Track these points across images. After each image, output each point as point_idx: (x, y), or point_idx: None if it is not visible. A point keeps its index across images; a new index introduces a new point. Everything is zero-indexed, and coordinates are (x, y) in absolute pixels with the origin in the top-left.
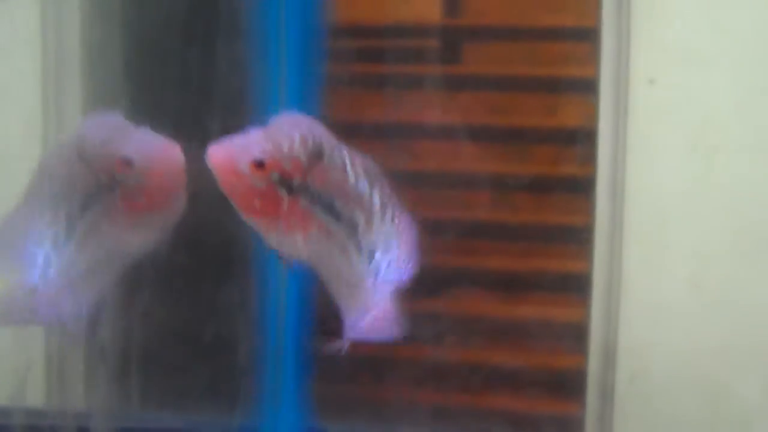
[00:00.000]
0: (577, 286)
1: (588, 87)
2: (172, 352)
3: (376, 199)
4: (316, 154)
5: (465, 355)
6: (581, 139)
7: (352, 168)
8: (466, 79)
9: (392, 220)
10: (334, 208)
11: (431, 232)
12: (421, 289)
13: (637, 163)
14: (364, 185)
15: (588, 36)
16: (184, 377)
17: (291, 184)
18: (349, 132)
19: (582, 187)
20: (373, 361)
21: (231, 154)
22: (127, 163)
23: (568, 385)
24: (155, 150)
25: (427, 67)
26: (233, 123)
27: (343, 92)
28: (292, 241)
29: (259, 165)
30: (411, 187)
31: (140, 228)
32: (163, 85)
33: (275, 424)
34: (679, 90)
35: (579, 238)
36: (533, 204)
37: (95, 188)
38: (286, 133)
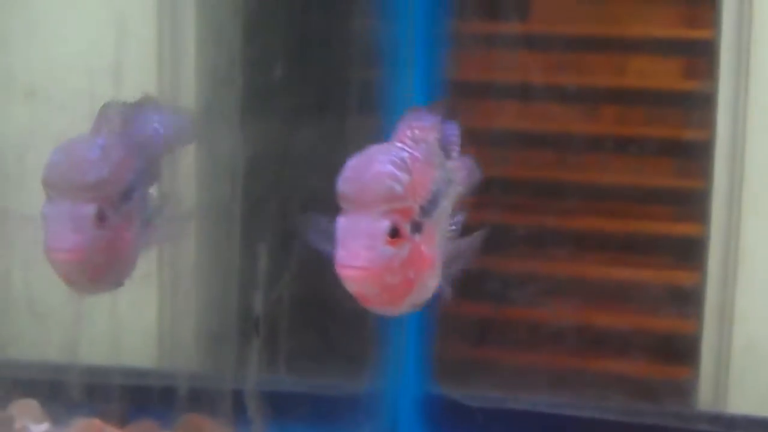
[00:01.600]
0: (694, 251)
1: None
2: (298, 317)
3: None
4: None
5: (579, 319)
6: (701, 103)
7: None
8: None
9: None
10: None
11: (545, 195)
12: (536, 251)
13: (758, 127)
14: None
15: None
16: (310, 342)
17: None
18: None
19: (701, 151)
20: (490, 325)
21: (367, 257)
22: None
23: (682, 349)
24: None
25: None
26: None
27: (469, 52)
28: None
29: (394, 234)
30: (529, 148)
31: None
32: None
33: (397, 389)
34: None
35: (697, 201)
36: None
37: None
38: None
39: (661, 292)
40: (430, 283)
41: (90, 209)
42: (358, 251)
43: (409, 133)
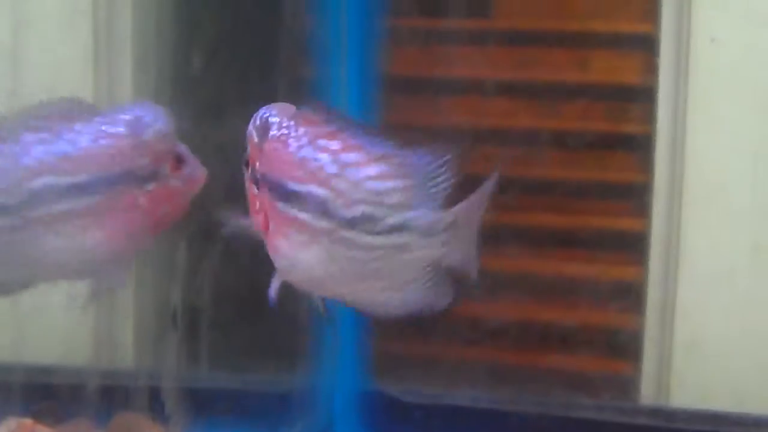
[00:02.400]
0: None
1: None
2: (231, 312)
3: None
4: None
5: (520, 314)
6: (641, 97)
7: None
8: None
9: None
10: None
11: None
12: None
13: (698, 122)
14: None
15: None
16: (243, 337)
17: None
18: (405, 87)
19: (641, 146)
20: (428, 321)
21: None
22: (180, 162)
23: (624, 345)
24: (196, 166)
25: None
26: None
27: (402, 48)
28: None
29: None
30: (467, 143)
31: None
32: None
33: (333, 384)
34: (742, 49)
35: (637, 196)
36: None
37: (143, 170)
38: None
39: (605, 288)
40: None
41: None
42: None
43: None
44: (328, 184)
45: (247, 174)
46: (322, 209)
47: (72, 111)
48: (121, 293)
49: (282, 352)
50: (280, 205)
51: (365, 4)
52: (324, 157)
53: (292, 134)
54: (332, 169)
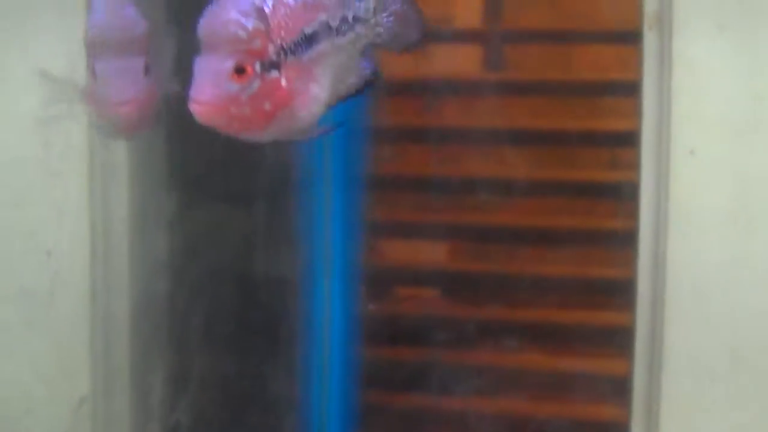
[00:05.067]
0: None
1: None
2: (219, 389)
3: None
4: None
5: (507, 408)
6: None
7: None
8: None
9: None
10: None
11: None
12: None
13: (677, 231)
14: None
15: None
16: (231, 410)
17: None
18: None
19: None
20: (416, 415)
21: (212, 92)
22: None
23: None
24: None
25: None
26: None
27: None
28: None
29: (240, 71)
30: (457, 240)
31: None
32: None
33: None
34: (719, 160)
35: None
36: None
37: None
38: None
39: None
40: (305, 110)
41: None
42: (205, 87)
43: None
44: (323, 5)
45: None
46: (326, 32)
47: None
48: None
49: (270, 408)
50: (305, 57)
51: None
52: None
53: None
54: None
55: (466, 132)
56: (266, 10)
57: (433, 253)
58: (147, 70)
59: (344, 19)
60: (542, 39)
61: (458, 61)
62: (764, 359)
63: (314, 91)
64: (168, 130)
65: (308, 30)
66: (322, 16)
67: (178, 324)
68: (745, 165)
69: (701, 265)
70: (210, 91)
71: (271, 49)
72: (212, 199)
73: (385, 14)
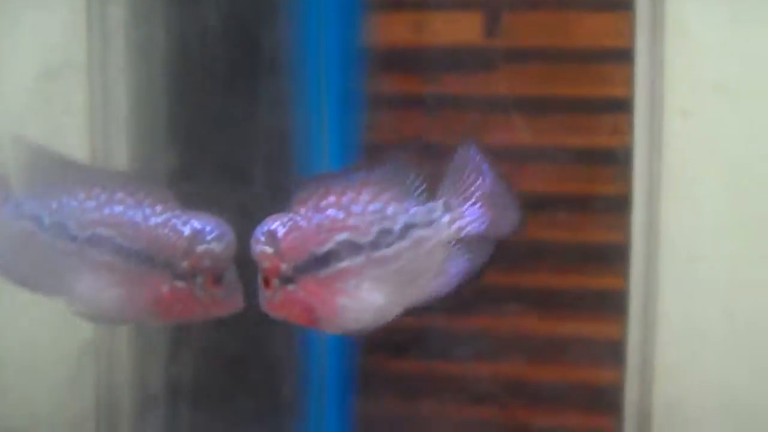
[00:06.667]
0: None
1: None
2: (216, 382)
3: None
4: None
5: (503, 372)
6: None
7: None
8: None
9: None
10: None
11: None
12: (458, 306)
13: (671, 196)
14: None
15: (624, 59)
16: (229, 408)
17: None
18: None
19: (619, 208)
20: (414, 380)
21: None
22: (219, 282)
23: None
24: (233, 294)
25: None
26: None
27: (385, 114)
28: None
29: (266, 283)
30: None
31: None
32: (206, 129)
33: None
34: (713, 122)
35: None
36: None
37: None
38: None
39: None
40: (342, 316)
41: None
42: (259, 291)
43: (305, 201)
44: (344, 227)
45: (272, 287)
46: (352, 249)
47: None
48: None
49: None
50: (321, 274)
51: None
52: (329, 212)
53: (297, 219)
54: (340, 215)
55: (463, 99)
56: (279, 234)
57: None
58: None
59: (385, 232)
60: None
61: (457, 27)
62: (758, 321)
63: (343, 302)
64: (168, 87)
65: (320, 250)
66: (342, 236)
67: None
68: (738, 127)
69: (695, 228)
70: (260, 294)
71: (284, 268)
72: (211, 158)
73: (470, 203)
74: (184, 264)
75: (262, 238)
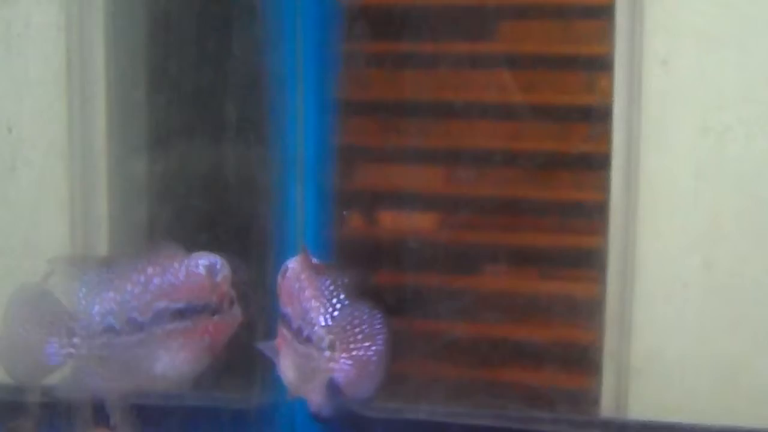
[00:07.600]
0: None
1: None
2: None
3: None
4: None
5: (482, 331)
6: (597, 117)
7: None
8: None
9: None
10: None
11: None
12: (441, 266)
13: (651, 143)
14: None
15: (604, 15)
16: None
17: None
18: (363, 111)
19: (597, 165)
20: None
21: None
22: (232, 302)
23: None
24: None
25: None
26: (250, 105)
27: (360, 72)
28: None
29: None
30: (429, 164)
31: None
32: (181, 70)
33: (293, 404)
34: (691, 71)
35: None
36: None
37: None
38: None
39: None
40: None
41: None
42: None
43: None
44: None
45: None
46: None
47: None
48: None
49: (241, 369)
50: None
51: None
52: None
53: (291, 276)
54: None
55: (440, 57)
56: None
57: (408, 178)
58: None
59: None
60: None
61: None
62: (736, 272)
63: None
64: (148, 32)
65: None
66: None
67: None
68: (717, 75)
69: (675, 177)
70: None
71: None
72: (187, 101)
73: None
74: (214, 298)
75: None
